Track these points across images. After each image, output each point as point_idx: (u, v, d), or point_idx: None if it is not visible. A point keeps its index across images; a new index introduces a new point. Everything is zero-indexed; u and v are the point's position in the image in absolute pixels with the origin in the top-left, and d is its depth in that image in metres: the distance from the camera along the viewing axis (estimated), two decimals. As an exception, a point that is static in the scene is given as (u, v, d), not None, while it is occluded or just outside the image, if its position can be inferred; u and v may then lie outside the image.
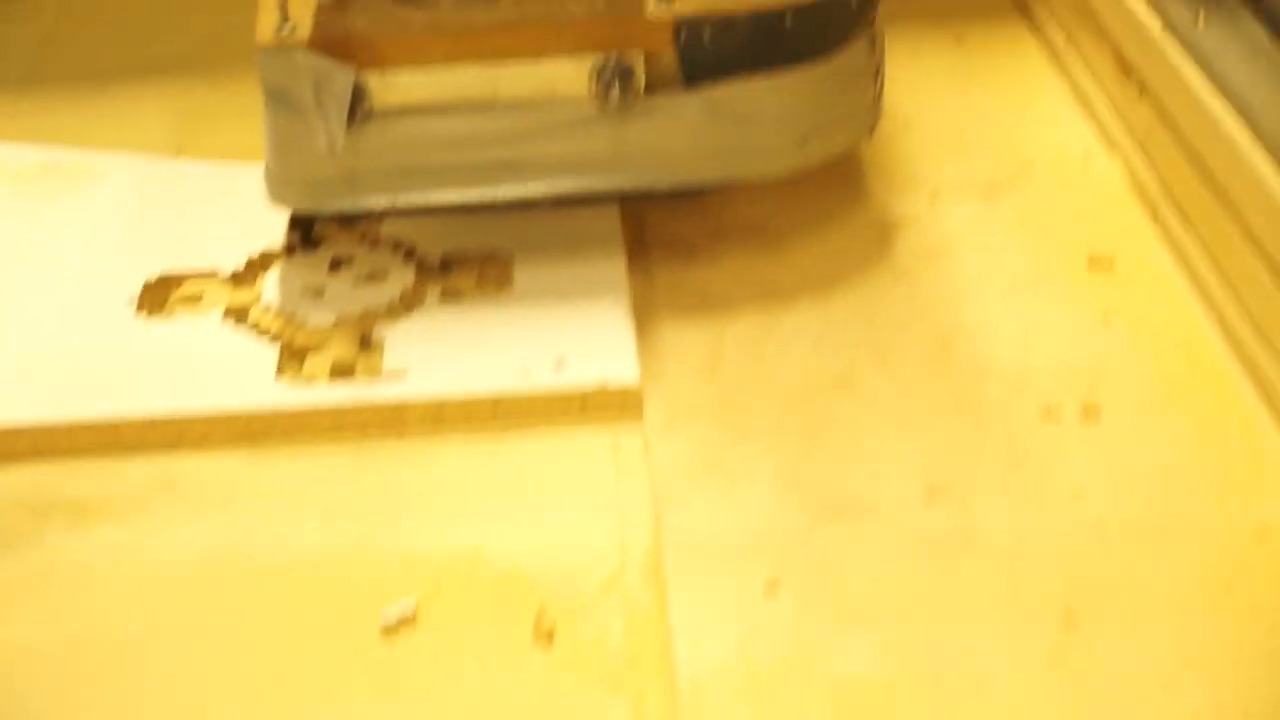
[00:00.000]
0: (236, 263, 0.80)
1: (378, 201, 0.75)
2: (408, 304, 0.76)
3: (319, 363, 0.73)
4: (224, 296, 0.78)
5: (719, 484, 0.68)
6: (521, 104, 0.73)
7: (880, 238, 0.81)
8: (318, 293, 0.77)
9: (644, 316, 0.76)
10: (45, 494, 0.69)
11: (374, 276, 0.78)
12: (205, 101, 0.97)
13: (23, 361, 0.74)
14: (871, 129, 0.80)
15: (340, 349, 0.74)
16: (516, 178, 0.74)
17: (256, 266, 0.80)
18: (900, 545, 0.65)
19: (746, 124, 0.74)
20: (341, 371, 0.73)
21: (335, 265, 0.79)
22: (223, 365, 0.73)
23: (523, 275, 0.78)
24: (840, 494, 0.67)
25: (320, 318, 0.76)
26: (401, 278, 0.78)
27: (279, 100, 0.73)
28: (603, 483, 0.68)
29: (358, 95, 0.72)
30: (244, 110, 0.92)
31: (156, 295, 0.78)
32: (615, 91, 0.73)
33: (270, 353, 0.74)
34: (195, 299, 0.78)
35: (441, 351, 0.73)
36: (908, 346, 0.74)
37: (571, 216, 0.80)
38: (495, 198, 0.75)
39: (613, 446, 0.70)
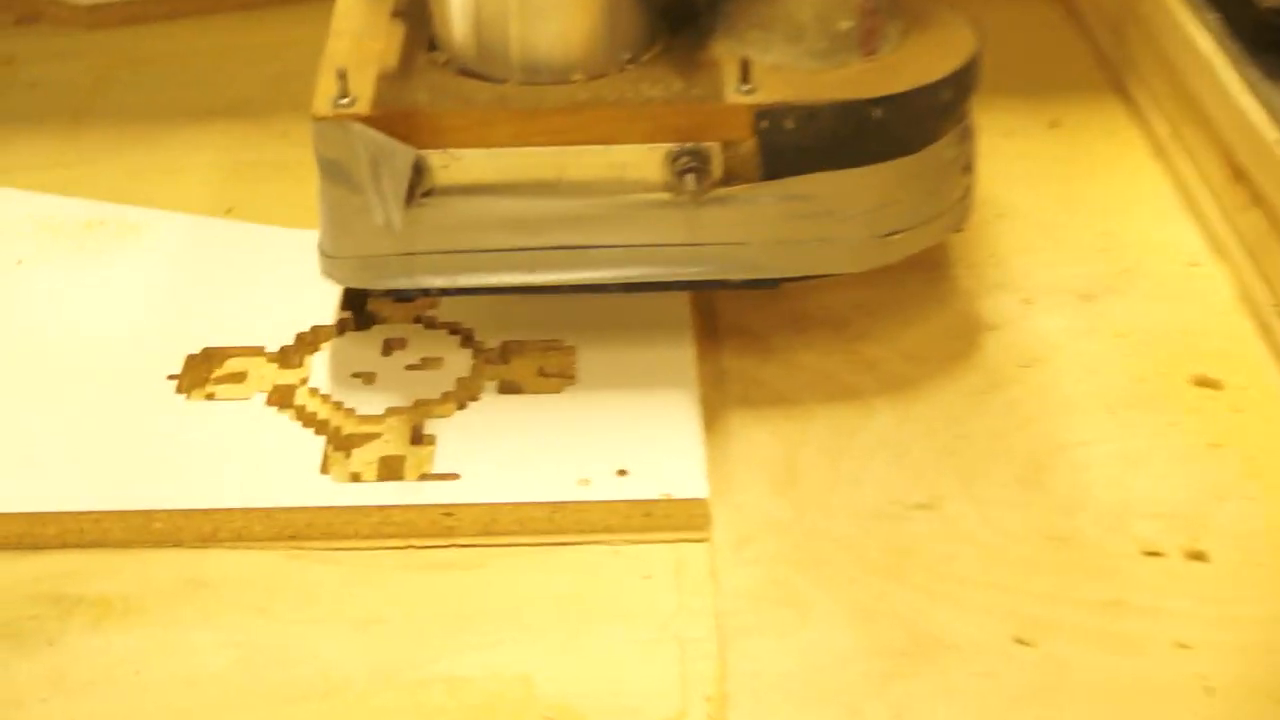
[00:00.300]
0: (284, 338, 0.75)
1: (435, 282, 0.71)
2: (463, 395, 0.72)
3: (366, 457, 0.69)
4: (269, 376, 0.74)
5: (790, 616, 0.63)
6: (590, 188, 0.69)
7: (967, 340, 0.76)
8: (368, 378, 0.73)
9: (714, 416, 0.71)
10: (69, 587, 0.65)
11: (428, 362, 0.74)
12: (261, 154, 0.93)
13: (54, 440, 0.69)
14: (960, 225, 0.75)
15: (390, 443, 0.69)
16: (582, 264, 0.70)
17: (305, 343, 0.75)
18: (986, 692, 0.59)
19: (827, 218, 0.70)
20: (390, 469, 0.68)
21: (388, 348, 0.75)
22: (264, 454, 0.69)
23: (586, 366, 0.73)
24: (921, 632, 0.62)
25: (370, 406, 0.71)
26: (457, 365, 0.73)
27: (335, 174, 0.69)
28: (665, 606, 0.63)
29: (418, 173, 0.68)
30: (301, 164, 0.89)
31: (198, 372, 0.74)
32: (690, 180, 0.68)
33: (315, 443, 0.69)
34: (239, 377, 0.74)
35: (497, 451, 0.68)
36: (996, 467, 0.69)
37: (639, 302, 0.75)
38: (559, 283, 0.70)
39: (676, 565, 0.65)
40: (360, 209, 0.68)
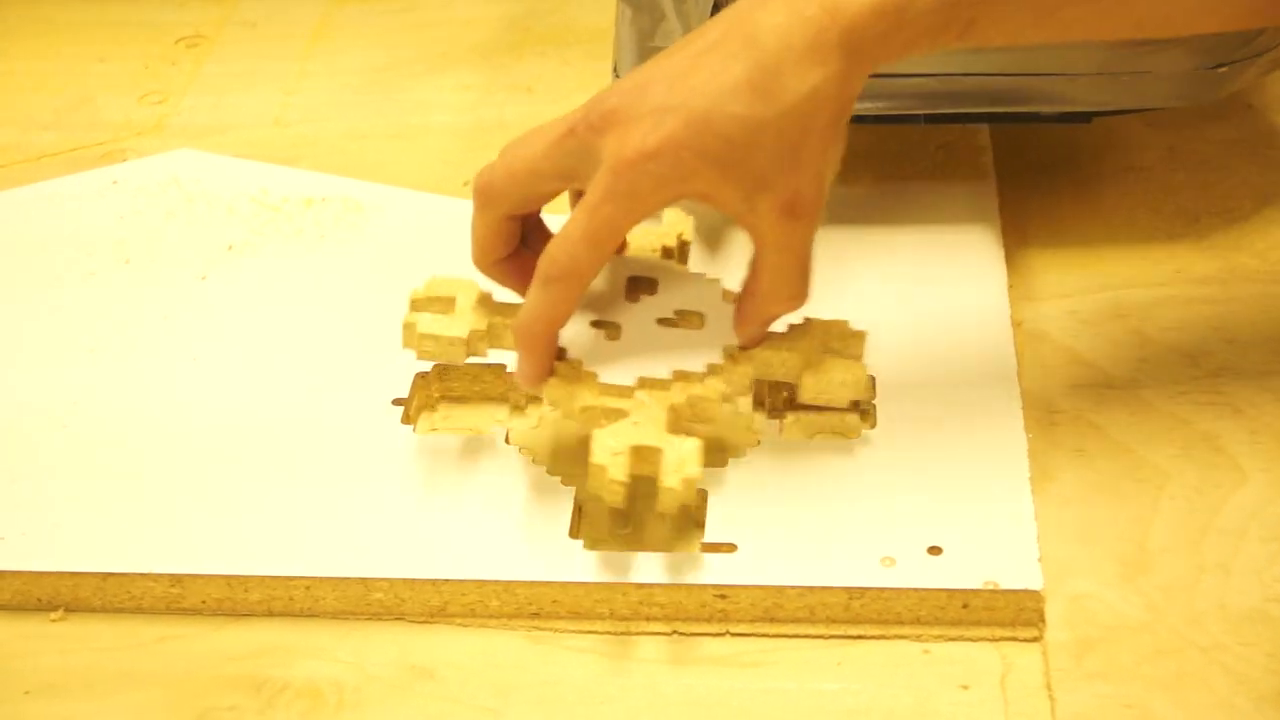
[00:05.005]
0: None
1: None
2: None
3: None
4: (505, 410, 0.63)
5: (1151, 759, 0.50)
6: None
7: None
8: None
9: (1042, 474, 0.58)
10: (273, 668, 0.55)
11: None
12: (502, 113, 0.82)
13: (260, 484, 0.59)
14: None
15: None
16: (890, 93, 0.67)
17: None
18: None
19: (1148, 47, 0.65)
20: (652, 537, 0.57)
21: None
22: (502, 511, 0.58)
23: (888, 407, 0.60)
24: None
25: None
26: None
27: (636, 4, 0.68)
28: (987, 727, 0.51)
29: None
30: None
31: (426, 394, 0.63)
32: None
33: (564, 495, 0.58)
34: (474, 401, 0.63)
35: (780, 519, 0.56)
36: None
37: (954, 337, 0.62)
38: (867, 112, 0.67)
39: (1002, 672, 0.53)
40: (661, 32, 0.67)
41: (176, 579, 0.56)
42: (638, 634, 0.55)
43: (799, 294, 0.55)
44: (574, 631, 0.56)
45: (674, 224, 0.63)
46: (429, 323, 0.58)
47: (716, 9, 0.65)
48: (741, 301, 0.56)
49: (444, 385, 0.64)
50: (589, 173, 0.53)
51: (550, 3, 0.90)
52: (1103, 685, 0.52)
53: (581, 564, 0.56)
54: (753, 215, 0.53)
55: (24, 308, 0.69)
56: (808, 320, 0.58)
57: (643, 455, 0.54)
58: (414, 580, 0.56)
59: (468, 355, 0.58)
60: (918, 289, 0.66)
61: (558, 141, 0.54)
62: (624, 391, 0.56)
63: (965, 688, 0.53)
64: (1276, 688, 0.51)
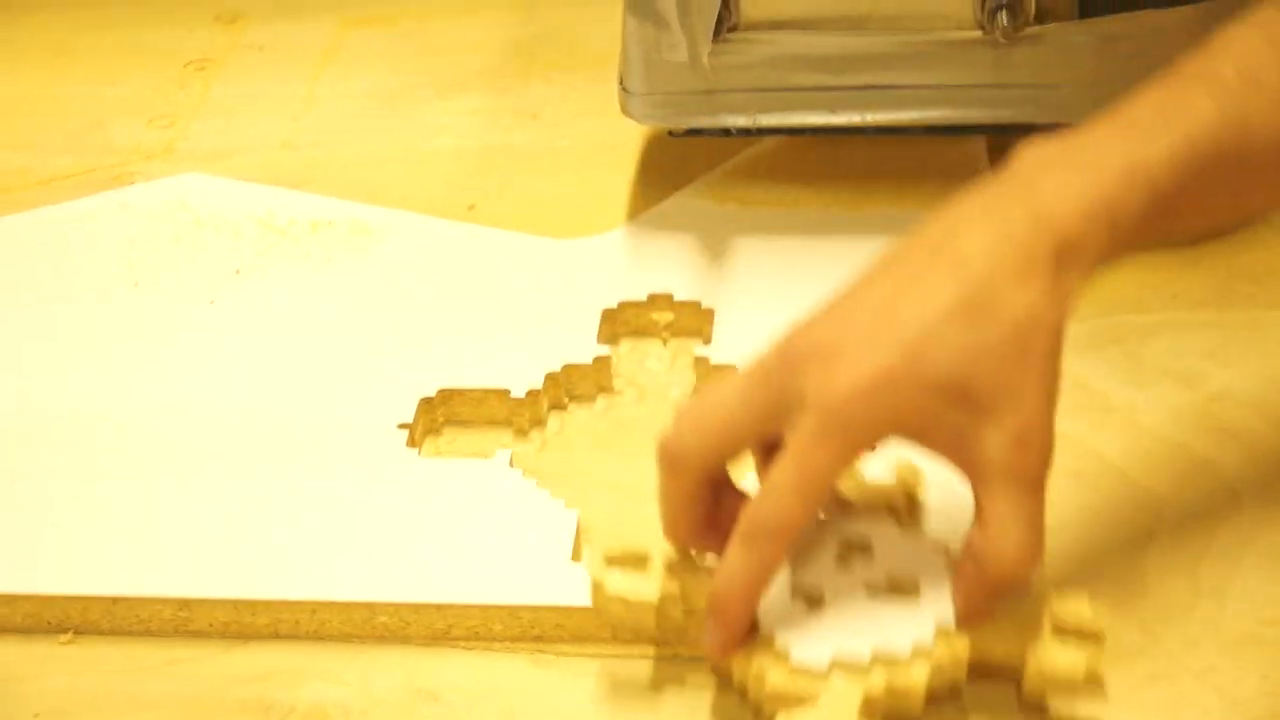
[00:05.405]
0: (533, 377, 0.65)
1: (737, 121, 0.71)
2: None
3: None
4: (509, 434, 0.64)
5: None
6: (899, 25, 0.68)
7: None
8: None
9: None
10: (279, 691, 0.56)
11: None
12: (509, 138, 0.83)
13: (267, 507, 0.60)
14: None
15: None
16: (886, 104, 0.69)
17: (558, 388, 0.65)
18: None
19: (1144, 60, 0.63)
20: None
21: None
22: (506, 534, 0.58)
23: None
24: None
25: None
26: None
27: (641, 7, 0.69)
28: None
29: (726, 6, 0.68)
30: (553, 153, 0.79)
31: (431, 418, 0.64)
32: (1003, 16, 0.67)
33: (566, 519, 0.59)
34: (478, 425, 0.63)
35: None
36: None
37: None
38: (862, 124, 0.70)
39: (998, 696, 0.53)
40: (667, 45, 0.69)
41: (185, 602, 0.57)
42: (640, 657, 0.56)
43: (1032, 546, 0.49)
44: (577, 655, 0.56)
45: (906, 478, 0.56)
46: (619, 583, 0.53)
47: (721, 21, 0.67)
48: (963, 563, 0.50)
49: (448, 409, 0.64)
50: (789, 419, 0.48)
51: (556, 28, 0.91)
52: (1099, 708, 0.52)
53: (584, 587, 0.56)
54: (977, 450, 0.48)
55: (34, 329, 0.70)
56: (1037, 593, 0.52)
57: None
58: (419, 604, 0.56)
59: (658, 622, 0.53)
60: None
61: (752, 389, 0.49)
62: (817, 675, 0.50)
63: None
64: (1270, 710, 0.52)
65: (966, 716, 0.52)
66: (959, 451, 0.48)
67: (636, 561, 0.53)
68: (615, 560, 0.53)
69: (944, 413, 0.48)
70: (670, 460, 0.50)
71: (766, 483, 0.49)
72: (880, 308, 0.49)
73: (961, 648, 0.50)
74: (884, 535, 0.54)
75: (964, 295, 0.48)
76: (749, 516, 0.49)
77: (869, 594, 0.52)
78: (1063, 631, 0.51)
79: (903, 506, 0.55)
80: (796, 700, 0.50)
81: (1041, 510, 0.49)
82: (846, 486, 0.55)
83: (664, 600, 0.52)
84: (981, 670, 0.51)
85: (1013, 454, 0.48)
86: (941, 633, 0.51)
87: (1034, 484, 0.48)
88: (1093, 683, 0.50)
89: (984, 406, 0.47)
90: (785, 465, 0.48)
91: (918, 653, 0.50)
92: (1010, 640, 0.51)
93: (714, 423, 0.50)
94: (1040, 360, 0.48)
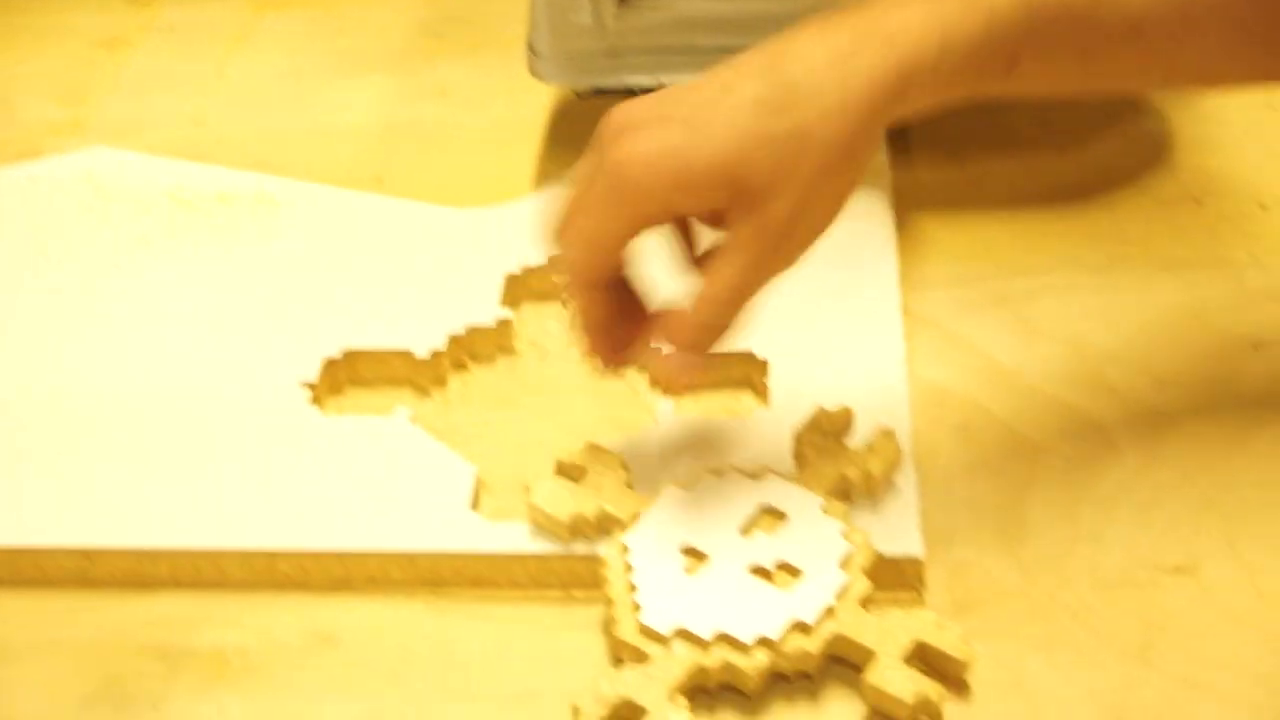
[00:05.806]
0: (435, 338, 0.66)
1: (641, 80, 0.72)
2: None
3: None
4: (414, 390, 0.64)
5: (1020, 707, 0.52)
6: None
7: (1229, 362, 0.65)
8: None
9: (928, 453, 0.61)
10: (179, 636, 0.57)
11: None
12: (417, 113, 0.84)
13: (169, 462, 0.61)
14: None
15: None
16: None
17: (460, 349, 0.66)
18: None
19: None
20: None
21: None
22: (405, 485, 0.59)
23: (779, 390, 0.63)
24: (1182, 736, 0.51)
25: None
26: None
27: None
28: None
29: None
30: (461, 128, 0.80)
31: (334, 378, 0.65)
32: None
33: (465, 471, 0.60)
34: (380, 385, 0.64)
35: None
36: (1268, 523, 0.58)
37: (845, 323, 0.65)
38: None
39: (883, 635, 0.55)
40: (572, 6, 0.70)
41: (86, 553, 0.58)
42: (536, 601, 0.57)
43: (734, 290, 0.52)
44: (474, 599, 0.57)
45: (880, 449, 0.58)
46: (544, 496, 0.56)
47: None
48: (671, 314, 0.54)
49: (351, 369, 0.65)
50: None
51: (464, 9, 0.92)
52: (979, 644, 0.54)
53: (480, 534, 0.57)
54: (730, 229, 0.52)
55: (-61, 299, 0.70)
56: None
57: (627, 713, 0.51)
58: (319, 552, 0.57)
59: (571, 539, 0.56)
60: (810, 275, 0.67)
61: (586, 172, 0.53)
62: (659, 638, 0.52)
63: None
64: (1139, 644, 0.54)
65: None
66: (716, 226, 0.53)
67: (575, 472, 0.57)
68: (562, 469, 0.57)
69: (715, 191, 0.51)
70: (575, 278, 0.54)
71: (563, 237, 0.53)
72: (688, 91, 0.52)
73: (814, 645, 0.52)
74: (803, 515, 0.56)
75: (766, 92, 0.50)
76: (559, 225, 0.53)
77: (749, 571, 0.54)
78: (922, 658, 0.52)
79: (859, 482, 0.57)
80: (637, 655, 0.52)
81: (758, 278, 0.52)
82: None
83: (575, 521, 0.56)
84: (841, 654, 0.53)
85: (752, 237, 0.51)
86: (798, 626, 0.52)
87: (759, 258, 0.52)
88: (926, 714, 0.51)
89: (750, 192, 0.50)
90: (576, 220, 0.52)
91: (762, 643, 0.52)
92: (862, 652, 0.52)
93: (586, 227, 0.53)
94: (815, 162, 0.50)
